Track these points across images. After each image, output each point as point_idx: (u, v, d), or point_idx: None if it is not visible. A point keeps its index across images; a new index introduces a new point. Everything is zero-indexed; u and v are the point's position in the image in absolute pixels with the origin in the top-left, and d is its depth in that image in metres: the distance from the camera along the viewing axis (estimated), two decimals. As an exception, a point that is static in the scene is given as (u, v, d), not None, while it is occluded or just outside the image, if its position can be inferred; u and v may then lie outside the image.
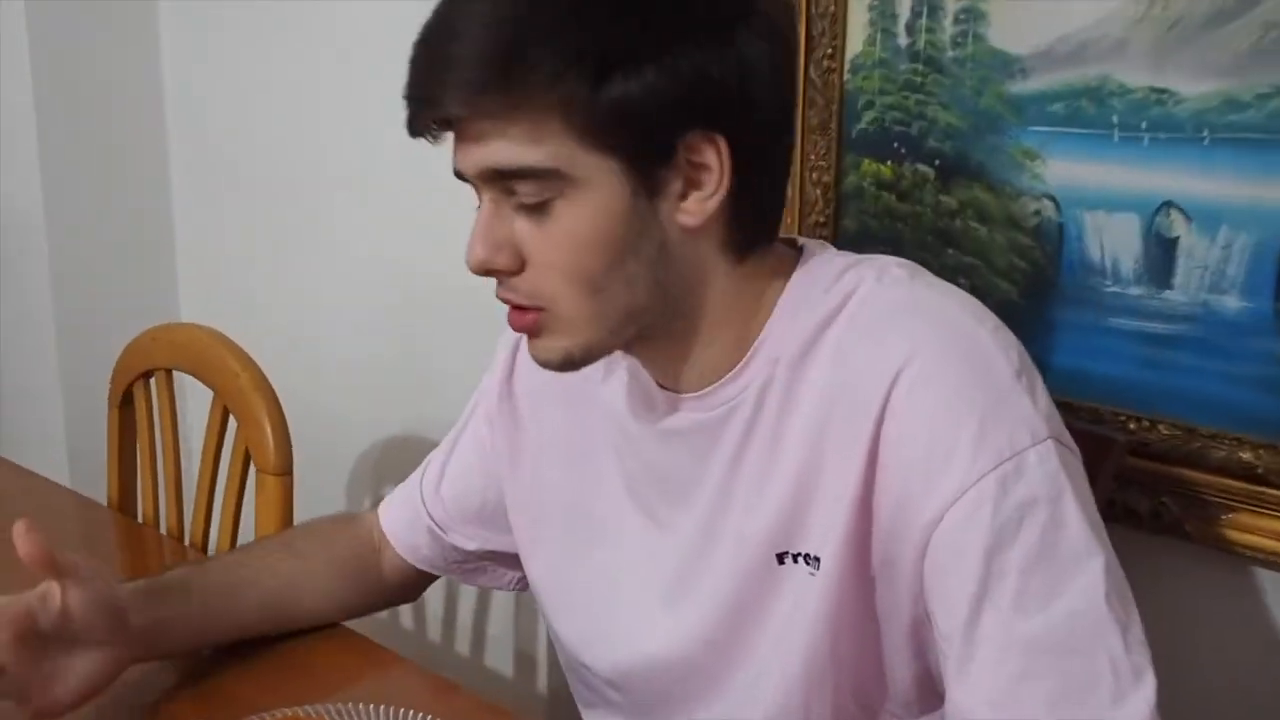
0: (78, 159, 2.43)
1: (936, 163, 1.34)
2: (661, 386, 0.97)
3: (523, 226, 0.84)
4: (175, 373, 1.53)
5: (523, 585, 1.19)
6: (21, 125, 2.42)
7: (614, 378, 1.02)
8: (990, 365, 0.85)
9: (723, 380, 0.93)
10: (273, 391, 1.38)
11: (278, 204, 2.18)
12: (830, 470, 0.87)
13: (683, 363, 0.94)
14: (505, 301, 0.87)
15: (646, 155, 0.83)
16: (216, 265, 2.36)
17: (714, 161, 0.84)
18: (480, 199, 0.86)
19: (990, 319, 0.89)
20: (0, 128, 2.47)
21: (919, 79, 1.34)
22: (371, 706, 0.98)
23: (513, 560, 1.16)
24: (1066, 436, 0.86)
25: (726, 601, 0.94)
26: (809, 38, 1.42)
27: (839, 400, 0.87)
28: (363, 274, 2.01)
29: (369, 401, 2.02)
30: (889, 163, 1.39)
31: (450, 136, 0.85)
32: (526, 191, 0.83)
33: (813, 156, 1.45)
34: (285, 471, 1.36)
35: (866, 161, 1.40)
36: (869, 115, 1.40)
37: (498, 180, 0.83)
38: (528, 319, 0.87)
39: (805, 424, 0.89)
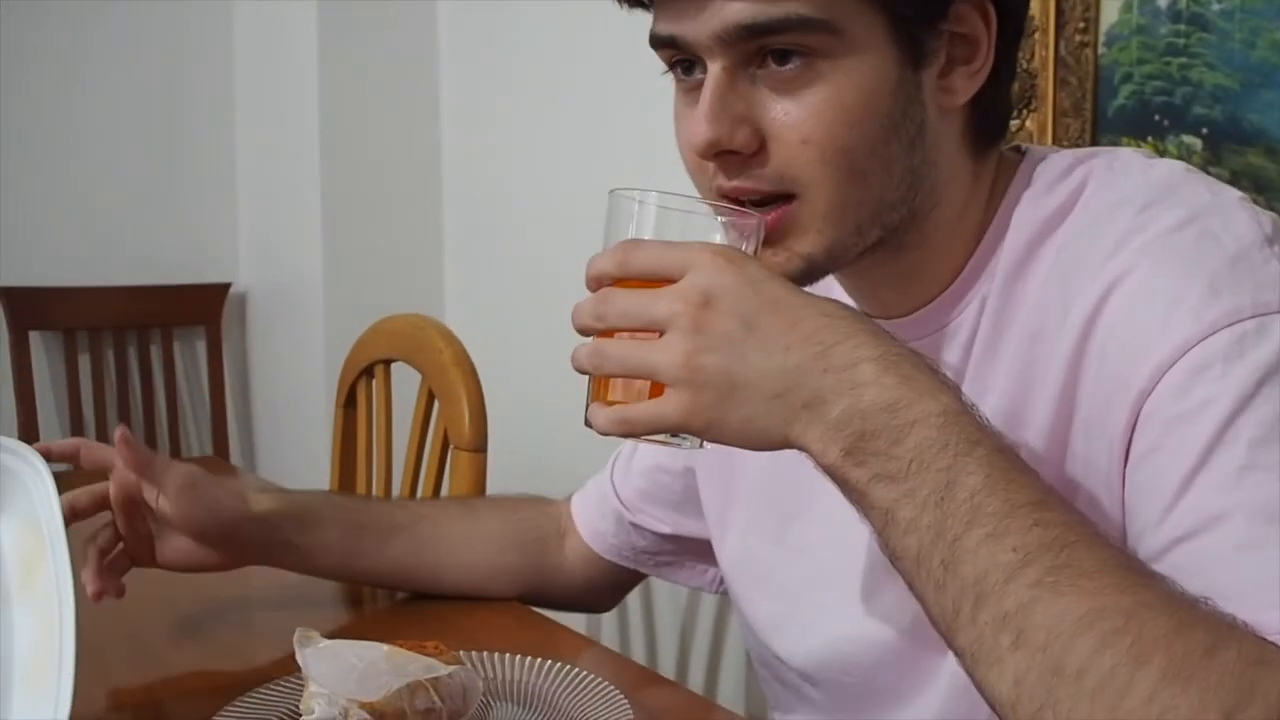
0: (357, 213, 2.66)
1: (1204, 131, 1.20)
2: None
3: (768, 98, 0.72)
4: (392, 365, 1.53)
5: (725, 587, 1.06)
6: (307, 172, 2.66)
7: None
8: (1230, 225, 0.70)
9: (939, 299, 0.81)
10: (472, 367, 1.36)
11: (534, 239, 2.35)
12: (1037, 393, 0.74)
13: (903, 283, 0.81)
14: (736, 197, 0.74)
15: (919, 15, 0.73)
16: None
17: (981, 32, 0.75)
18: (707, 70, 0.73)
19: (1240, 194, 0.74)
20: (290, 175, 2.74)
21: (1182, 41, 1.21)
22: (512, 657, 0.90)
23: (709, 553, 1.04)
24: None
25: None
26: (1059, 12, 1.32)
27: (1052, 308, 0.74)
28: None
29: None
30: (1150, 139, 1.25)
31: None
32: (784, 53, 0.71)
33: (1065, 142, 1.33)
34: (479, 448, 1.31)
35: (1125, 141, 1.27)
36: (1126, 89, 1.27)
37: (747, 41, 0.71)
38: (769, 217, 0.73)
39: (1017, 345, 0.76)
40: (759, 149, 0.72)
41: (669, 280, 0.65)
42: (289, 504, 1.04)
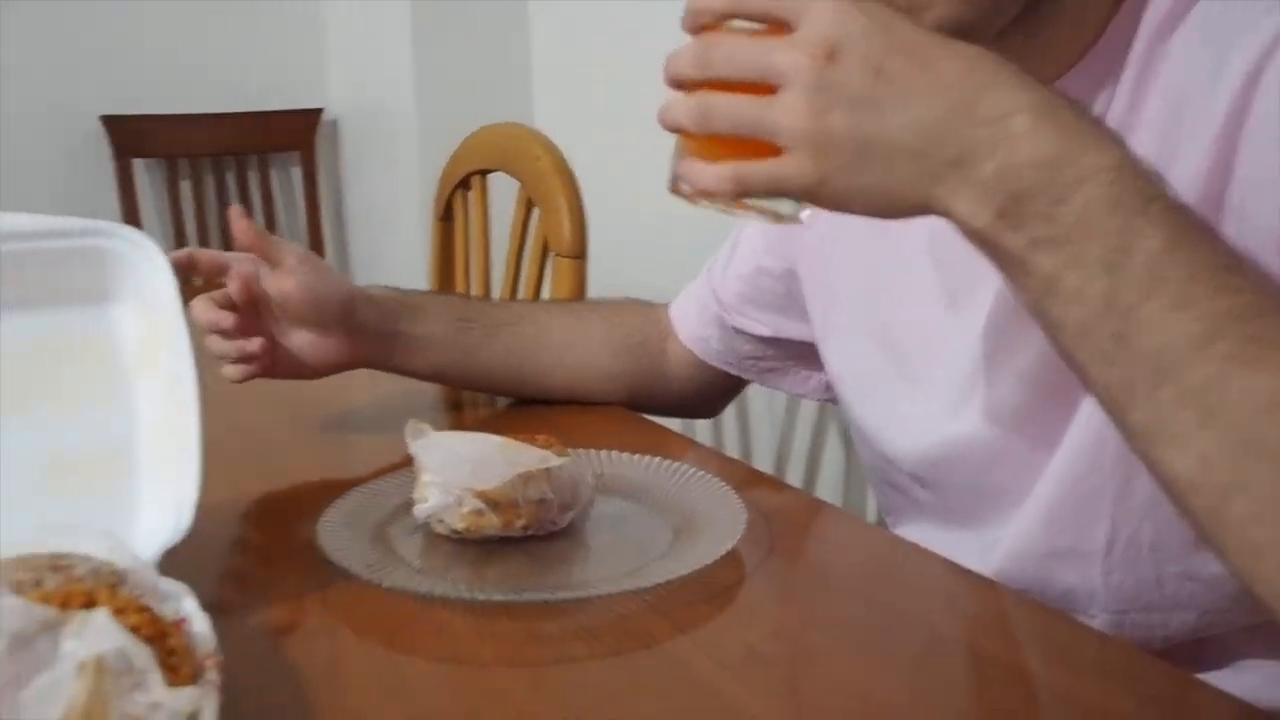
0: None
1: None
2: None
3: None
4: (489, 177, 1.51)
5: (831, 395, 1.06)
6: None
7: None
8: None
9: (1065, 78, 0.75)
10: (571, 173, 1.34)
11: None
12: (1179, 168, 0.67)
13: (1031, 63, 0.76)
14: None
15: None
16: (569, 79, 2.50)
17: None
18: None
19: None
20: None
21: None
22: (620, 453, 0.90)
23: (814, 357, 1.03)
24: None
25: (1045, 361, 0.76)
26: None
27: (1200, 70, 0.68)
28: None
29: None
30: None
31: None
32: None
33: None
34: (579, 254, 1.30)
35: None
36: None
37: None
38: None
39: (1152, 118, 0.70)
40: None
41: (782, 25, 0.58)
42: (398, 294, 1.04)
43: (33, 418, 0.73)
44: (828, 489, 1.84)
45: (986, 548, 0.84)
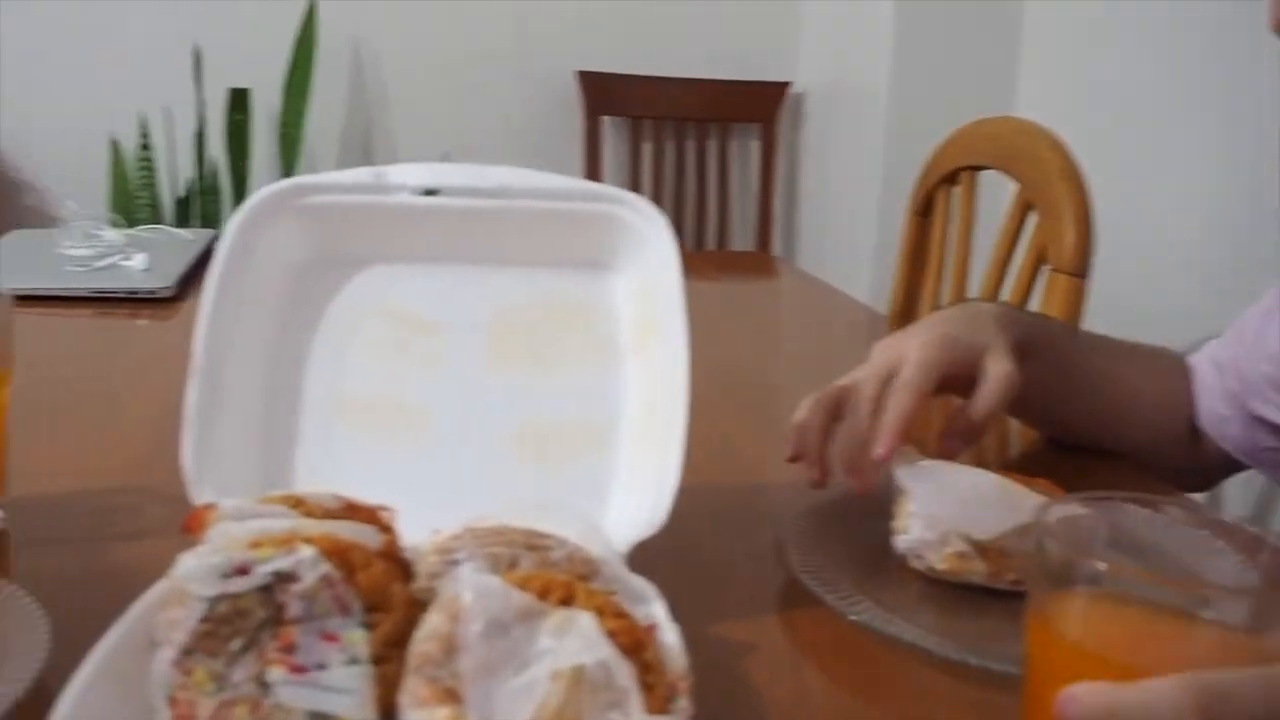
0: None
1: None
2: None
3: None
4: (979, 174, 1.40)
5: None
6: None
7: None
8: None
9: None
10: (1081, 181, 1.20)
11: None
12: None
13: None
14: None
15: None
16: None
17: None
18: None
19: None
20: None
21: None
22: (1125, 505, 0.78)
23: None
24: None
25: None
26: None
27: None
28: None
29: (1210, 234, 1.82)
30: None
31: None
32: None
33: None
34: (1080, 273, 1.16)
35: None
36: None
37: None
38: None
39: None
40: None
41: None
42: (1024, 334, 0.87)
43: (514, 379, 0.71)
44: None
45: None
